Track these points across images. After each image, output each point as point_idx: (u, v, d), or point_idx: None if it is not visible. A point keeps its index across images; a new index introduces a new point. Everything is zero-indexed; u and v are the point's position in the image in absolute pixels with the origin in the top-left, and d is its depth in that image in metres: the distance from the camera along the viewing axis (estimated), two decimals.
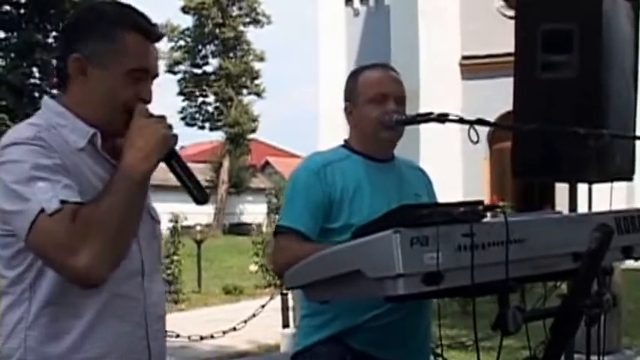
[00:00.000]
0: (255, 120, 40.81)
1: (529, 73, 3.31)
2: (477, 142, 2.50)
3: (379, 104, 2.95)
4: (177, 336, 7.87)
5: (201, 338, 8.48)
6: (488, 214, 2.27)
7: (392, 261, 2.02)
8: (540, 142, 3.21)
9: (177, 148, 2.12)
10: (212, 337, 8.47)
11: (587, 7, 3.25)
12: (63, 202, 1.91)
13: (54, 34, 30.23)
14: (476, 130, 2.51)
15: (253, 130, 41.07)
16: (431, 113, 2.64)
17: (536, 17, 3.34)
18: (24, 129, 2.03)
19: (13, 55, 30.09)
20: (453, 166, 15.55)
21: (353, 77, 3.08)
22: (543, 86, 3.29)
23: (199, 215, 29.05)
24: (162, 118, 2.09)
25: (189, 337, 8.36)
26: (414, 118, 2.80)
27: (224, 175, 39.11)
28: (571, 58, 3.23)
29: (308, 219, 2.86)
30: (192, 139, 52.40)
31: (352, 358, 2.90)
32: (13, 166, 1.94)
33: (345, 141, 3.10)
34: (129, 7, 2.16)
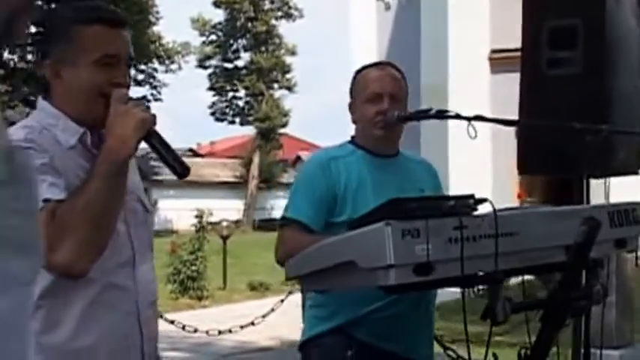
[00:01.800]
0: (286, 114, 41.06)
1: (535, 69, 3.43)
2: (475, 137, 2.64)
3: (375, 103, 3.10)
4: (195, 331, 8.03)
5: (219, 333, 8.64)
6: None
7: (384, 252, 2.16)
8: (543, 138, 3.32)
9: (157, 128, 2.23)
10: (230, 331, 8.62)
11: (591, 4, 3.36)
12: (46, 200, 2.06)
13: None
14: (474, 127, 2.64)
15: (284, 125, 41.32)
16: (430, 109, 2.78)
17: (541, 14, 3.45)
18: (15, 132, 2.18)
19: None
20: (481, 160, 15.61)
21: (355, 75, 3.23)
22: (549, 82, 3.40)
23: (229, 211, 29.32)
24: (140, 101, 2.25)
25: (207, 332, 8.52)
26: (414, 114, 2.94)
27: (254, 170, 39.36)
28: (575, 55, 3.34)
29: (312, 211, 3.01)
30: (222, 134, 52.71)
31: (357, 348, 3.04)
32: None
33: (352, 137, 3.24)
34: (84, 3, 2.34)
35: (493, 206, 2.30)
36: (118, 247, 2.20)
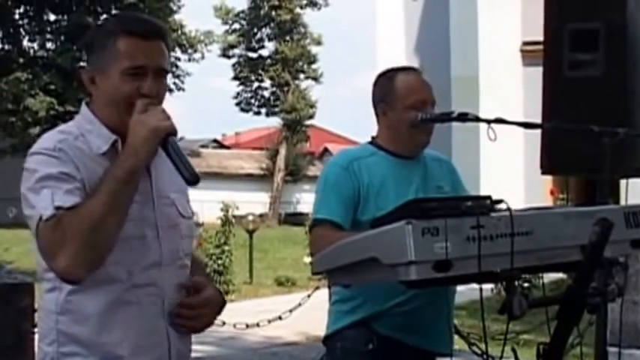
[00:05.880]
0: (312, 106, 41.26)
1: (557, 71, 3.60)
2: (495, 139, 2.83)
3: (419, 111, 3.26)
4: (223, 324, 8.24)
5: (247, 326, 8.88)
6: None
7: (405, 249, 2.35)
8: (565, 139, 3.50)
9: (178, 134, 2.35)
10: (257, 325, 8.85)
11: (612, 7, 3.53)
12: (58, 208, 2.25)
13: (105, 17, 30.83)
14: (493, 130, 2.83)
15: (311, 117, 41.53)
16: (452, 112, 2.99)
17: (562, 17, 3.62)
18: (48, 138, 2.39)
19: (63, 38, 30.85)
20: (514, 156, 15.74)
21: (387, 80, 3.37)
22: (570, 84, 3.58)
23: (254, 204, 29.61)
24: (159, 108, 2.37)
25: (234, 325, 8.74)
26: (438, 117, 3.14)
27: (280, 162, 39.63)
28: (597, 57, 3.51)
29: (341, 210, 3.21)
30: (247, 125, 53.08)
31: (378, 341, 3.24)
32: (29, 174, 2.32)
33: (373, 138, 3.43)
34: (125, 14, 2.54)
35: (509, 206, 2.48)
36: (145, 250, 2.37)
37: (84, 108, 2.49)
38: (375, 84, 3.41)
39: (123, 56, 2.39)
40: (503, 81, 15.94)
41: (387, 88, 3.35)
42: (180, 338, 2.49)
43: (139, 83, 2.39)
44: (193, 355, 2.60)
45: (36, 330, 4.81)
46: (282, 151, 39.82)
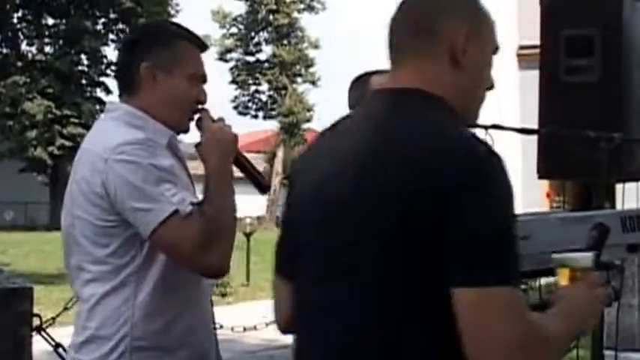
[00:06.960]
0: (310, 109, 41.33)
1: (553, 76, 3.62)
2: (492, 145, 2.83)
3: None
4: (221, 327, 8.27)
5: (245, 329, 8.87)
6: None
7: None
8: (562, 144, 3.51)
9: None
10: (255, 328, 8.85)
11: (608, 13, 3.55)
12: (192, 204, 2.31)
13: (102, 20, 30.91)
14: (490, 135, 2.84)
15: (308, 120, 41.58)
16: None
17: (559, 22, 3.64)
18: (125, 132, 2.36)
19: (61, 42, 30.91)
20: (511, 159, 15.77)
21: (362, 83, 3.36)
22: (566, 89, 3.59)
23: (251, 207, 29.59)
24: (222, 120, 2.48)
25: (232, 329, 8.75)
26: None
27: (278, 165, 39.64)
28: (592, 63, 3.53)
29: None
30: (245, 129, 53.21)
31: None
32: (135, 166, 2.28)
33: None
34: (175, 23, 2.63)
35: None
36: None
37: (128, 107, 2.46)
38: (350, 89, 3.42)
39: (187, 61, 2.47)
40: (500, 84, 15.90)
41: (361, 90, 3.33)
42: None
43: (198, 90, 2.48)
44: None
45: (33, 334, 4.86)
46: (280, 154, 39.85)
